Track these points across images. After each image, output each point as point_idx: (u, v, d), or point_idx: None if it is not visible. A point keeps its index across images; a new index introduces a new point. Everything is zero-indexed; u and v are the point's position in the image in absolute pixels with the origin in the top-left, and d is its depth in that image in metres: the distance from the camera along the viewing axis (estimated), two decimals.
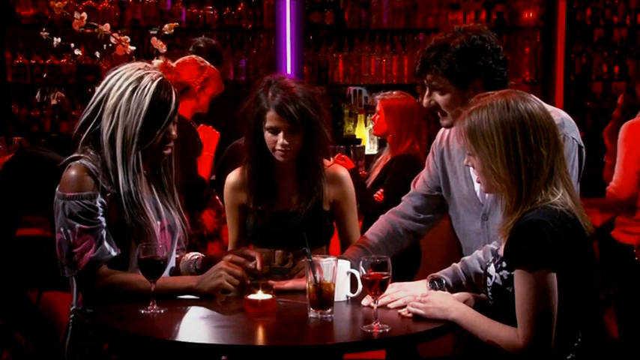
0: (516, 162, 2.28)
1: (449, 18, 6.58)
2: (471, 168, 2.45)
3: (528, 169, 2.28)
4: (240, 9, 6.50)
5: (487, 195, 2.72)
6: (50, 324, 4.67)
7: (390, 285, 2.45)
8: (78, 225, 2.56)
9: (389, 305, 2.53)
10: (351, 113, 6.67)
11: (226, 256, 2.75)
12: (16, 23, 6.30)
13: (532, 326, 2.22)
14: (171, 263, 2.80)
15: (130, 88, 2.61)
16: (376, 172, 4.71)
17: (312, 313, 2.47)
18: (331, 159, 3.40)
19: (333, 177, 3.09)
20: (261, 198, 3.06)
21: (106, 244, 2.58)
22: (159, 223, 2.70)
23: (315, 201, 3.03)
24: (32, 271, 4.52)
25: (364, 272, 2.40)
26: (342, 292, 2.63)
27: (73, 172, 2.60)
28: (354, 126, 6.64)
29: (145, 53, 5.48)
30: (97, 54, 4.90)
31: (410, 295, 2.53)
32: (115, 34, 4.14)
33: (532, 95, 2.40)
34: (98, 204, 2.58)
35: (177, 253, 2.85)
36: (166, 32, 4.25)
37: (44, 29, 4.39)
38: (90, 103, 2.66)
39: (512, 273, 2.27)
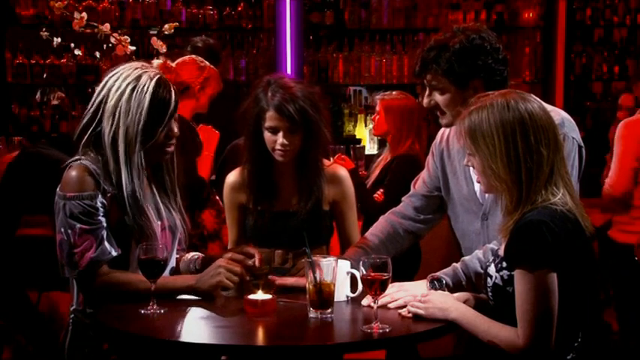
0: (516, 162, 2.28)
1: (449, 18, 6.58)
2: (471, 168, 2.45)
3: (528, 169, 2.28)
4: (240, 9, 6.50)
5: (487, 195, 2.72)
6: (50, 324, 4.67)
7: (390, 285, 2.45)
8: (78, 225, 2.56)
9: (389, 305, 2.53)
10: (351, 113, 6.67)
11: (226, 254, 2.75)
12: (16, 23, 6.30)
13: (532, 326, 2.22)
14: (172, 263, 2.80)
15: (130, 88, 2.61)
16: (376, 172, 4.71)
17: (312, 313, 2.47)
18: (331, 159, 3.41)
19: (332, 177, 3.09)
20: (261, 198, 3.06)
21: (106, 244, 2.58)
22: (159, 223, 2.70)
23: (314, 201, 3.03)
24: (32, 271, 4.52)
25: (364, 272, 2.41)
26: (342, 292, 2.63)
27: (73, 173, 2.60)
28: (354, 126, 6.64)
29: (145, 53, 5.49)
30: (97, 54, 4.90)
31: (410, 295, 2.53)
32: (115, 34, 4.14)
33: (532, 95, 2.40)
34: (99, 204, 2.58)
35: (177, 254, 2.86)
36: (166, 32, 4.25)
37: (44, 29, 4.39)
38: (89, 106, 2.67)
39: (512, 273, 2.27)
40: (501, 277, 2.32)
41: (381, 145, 5.86)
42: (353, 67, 6.57)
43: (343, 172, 3.13)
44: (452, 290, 2.60)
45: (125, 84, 2.62)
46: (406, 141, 4.62)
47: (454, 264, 2.69)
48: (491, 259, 2.43)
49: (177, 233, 2.80)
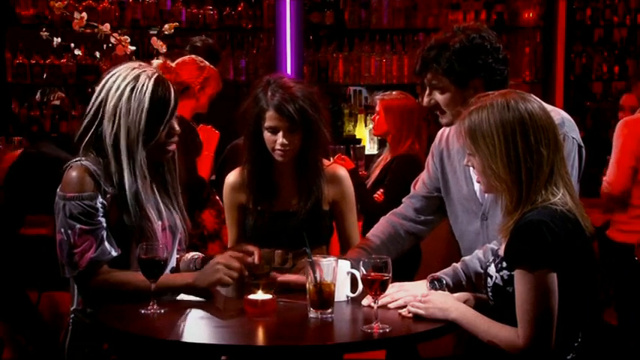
0: (516, 162, 2.28)
1: (449, 18, 6.57)
2: (471, 168, 2.45)
3: (528, 169, 2.28)
4: (240, 9, 6.50)
5: (487, 195, 2.72)
6: (50, 324, 4.67)
7: (390, 285, 2.45)
8: (78, 225, 2.56)
9: (389, 305, 2.53)
10: (351, 113, 6.67)
11: (225, 252, 2.75)
12: (16, 23, 6.30)
13: (532, 326, 2.22)
14: (172, 263, 2.80)
15: (129, 88, 2.61)
16: (376, 172, 4.71)
17: (313, 313, 2.47)
18: (331, 159, 3.41)
19: (332, 177, 3.09)
20: (261, 198, 3.06)
21: (106, 244, 2.58)
22: (160, 223, 2.70)
23: (314, 201, 3.03)
24: (32, 271, 4.52)
25: (364, 272, 2.41)
26: (343, 292, 2.63)
27: (73, 173, 2.60)
28: (354, 126, 6.64)
29: (145, 53, 5.48)
30: (97, 54, 4.90)
31: (410, 295, 2.53)
32: (115, 34, 4.14)
33: (532, 95, 2.40)
34: (98, 205, 2.58)
35: (177, 254, 2.86)
36: (166, 32, 4.25)
37: (44, 29, 4.39)
38: (89, 109, 2.67)
39: (512, 273, 2.27)
40: (501, 277, 2.32)
41: (381, 145, 5.86)
42: (353, 67, 6.57)
43: (343, 172, 3.13)
44: (452, 290, 2.59)
45: (124, 84, 2.62)
46: (406, 141, 4.62)
47: (454, 264, 2.69)
48: (491, 259, 2.43)
49: (177, 233, 2.80)
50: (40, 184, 4.04)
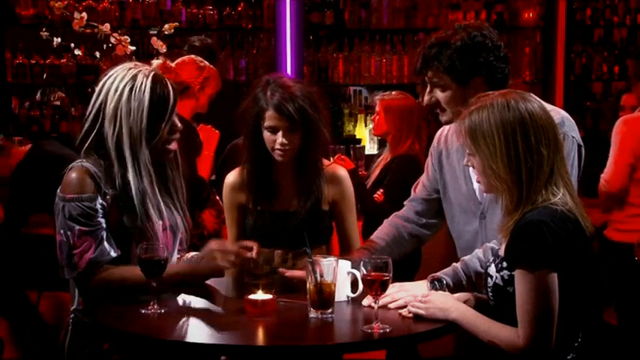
0: (517, 162, 2.28)
1: (449, 18, 6.57)
2: (471, 167, 2.45)
3: (529, 169, 2.28)
4: (240, 9, 6.50)
5: (485, 194, 2.72)
6: (50, 324, 4.68)
7: (390, 285, 2.45)
8: (77, 227, 2.56)
9: (389, 305, 2.53)
10: (351, 113, 6.67)
11: (210, 242, 2.75)
12: (16, 23, 6.30)
13: (533, 326, 2.22)
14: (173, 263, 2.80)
15: (127, 89, 2.61)
16: (376, 172, 4.70)
17: (313, 313, 2.47)
18: (331, 159, 3.40)
19: (332, 177, 3.09)
20: (261, 198, 3.05)
21: (105, 245, 2.58)
22: (161, 223, 2.70)
23: (314, 201, 3.03)
24: (32, 271, 4.53)
25: (365, 272, 2.40)
26: (343, 292, 2.63)
27: (73, 175, 2.60)
28: (354, 126, 6.64)
29: (145, 53, 5.48)
30: (97, 54, 4.90)
31: (410, 296, 2.53)
32: (115, 34, 4.13)
33: (532, 95, 2.40)
34: (98, 206, 2.58)
35: (178, 254, 2.85)
36: (166, 32, 4.25)
37: (44, 29, 4.39)
38: (88, 112, 2.67)
39: (512, 273, 2.27)
40: (502, 277, 2.32)
41: (381, 145, 5.86)
42: (353, 67, 6.57)
43: (343, 172, 3.13)
44: (452, 290, 2.59)
45: (122, 85, 2.62)
46: (406, 141, 4.62)
47: (454, 264, 2.69)
48: (491, 259, 2.43)
49: (178, 233, 2.79)
50: (44, 182, 4.06)
